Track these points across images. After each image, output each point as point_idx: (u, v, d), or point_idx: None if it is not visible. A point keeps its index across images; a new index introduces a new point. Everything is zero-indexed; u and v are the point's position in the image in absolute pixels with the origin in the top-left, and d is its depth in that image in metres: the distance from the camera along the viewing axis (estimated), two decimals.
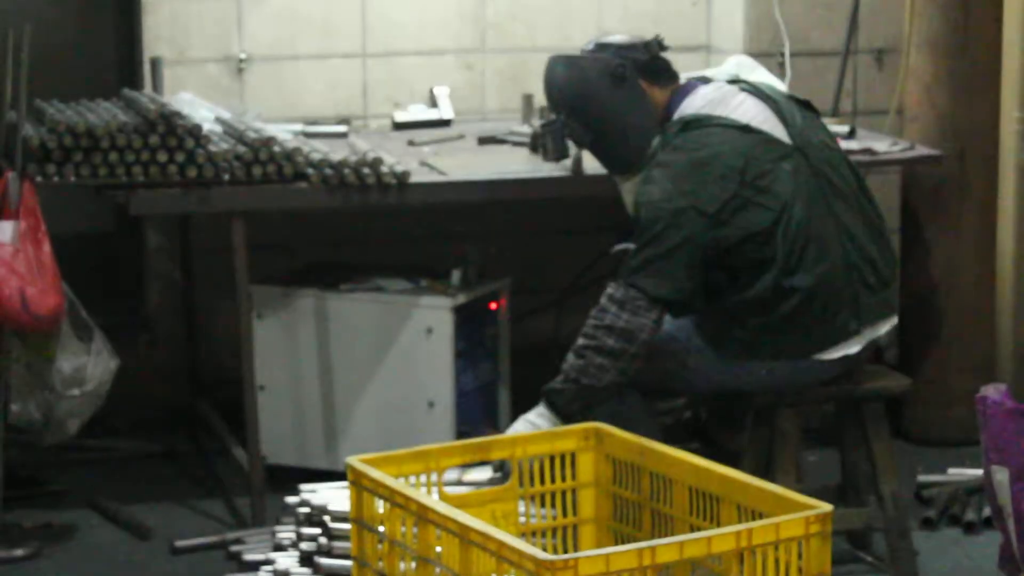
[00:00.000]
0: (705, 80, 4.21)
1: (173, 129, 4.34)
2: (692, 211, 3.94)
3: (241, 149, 4.43)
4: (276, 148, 4.45)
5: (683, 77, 4.23)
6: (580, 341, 3.95)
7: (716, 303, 4.06)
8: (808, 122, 4.14)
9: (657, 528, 3.41)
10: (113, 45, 5.50)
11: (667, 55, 4.24)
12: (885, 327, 4.16)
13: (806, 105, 4.21)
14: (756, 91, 4.14)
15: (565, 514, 3.57)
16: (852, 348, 4.08)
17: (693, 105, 4.10)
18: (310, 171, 4.47)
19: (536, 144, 4.79)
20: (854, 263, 4.07)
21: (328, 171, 4.48)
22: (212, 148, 4.39)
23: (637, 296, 3.92)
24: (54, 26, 5.36)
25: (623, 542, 3.46)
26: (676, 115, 4.10)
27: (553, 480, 3.56)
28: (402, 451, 3.46)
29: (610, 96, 4.16)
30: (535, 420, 3.95)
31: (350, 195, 4.51)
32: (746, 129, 4.03)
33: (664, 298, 3.93)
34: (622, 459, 3.52)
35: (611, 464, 3.55)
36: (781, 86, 4.33)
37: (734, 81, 4.19)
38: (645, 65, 4.17)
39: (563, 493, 3.57)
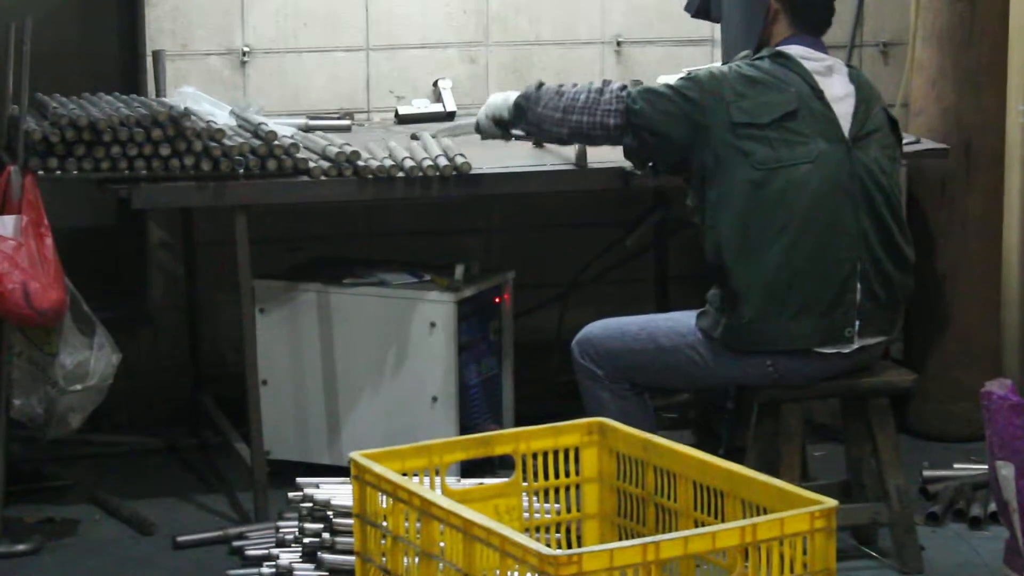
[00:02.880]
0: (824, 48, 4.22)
1: (182, 131, 4.33)
2: (721, 102, 4.03)
3: (256, 143, 4.42)
4: (286, 142, 4.45)
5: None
6: (567, 87, 4.19)
7: (715, 289, 4.09)
8: (879, 136, 4.17)
9: (661, 523, 3.40)
10: (115, 38, 5.48)
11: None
12: (877, 340, 4.18)
13: (892, 123, 4.26)
14: (859, 80, 4.19)
15: (569, 509, 3.57)
16: (845, 348, 4.10)
17: (797, 52, 4.13)
18: (325, 164, 4.46)
19: None
20: (864, 272, 4.09)
21: (332, 165, 4.47)
22: (226, 143, 4.38)
23: (621, 98, 4.08)
24: (56, 19, 5.35)
25: (627, 537, 3.46)
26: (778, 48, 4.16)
27: (557, 475, 3.56)
28: (405, 446, 3.45)
29: None
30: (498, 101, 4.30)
31: (353, 189, 4.49)
32: (817, 94, 4.08)
33: (634, 110, 4.06)
34: (626, 454, 3.51)
35: (615, 459, 3.54)
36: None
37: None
38: None
39: (567, 488, 3.56)
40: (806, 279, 4.03)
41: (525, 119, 4.23)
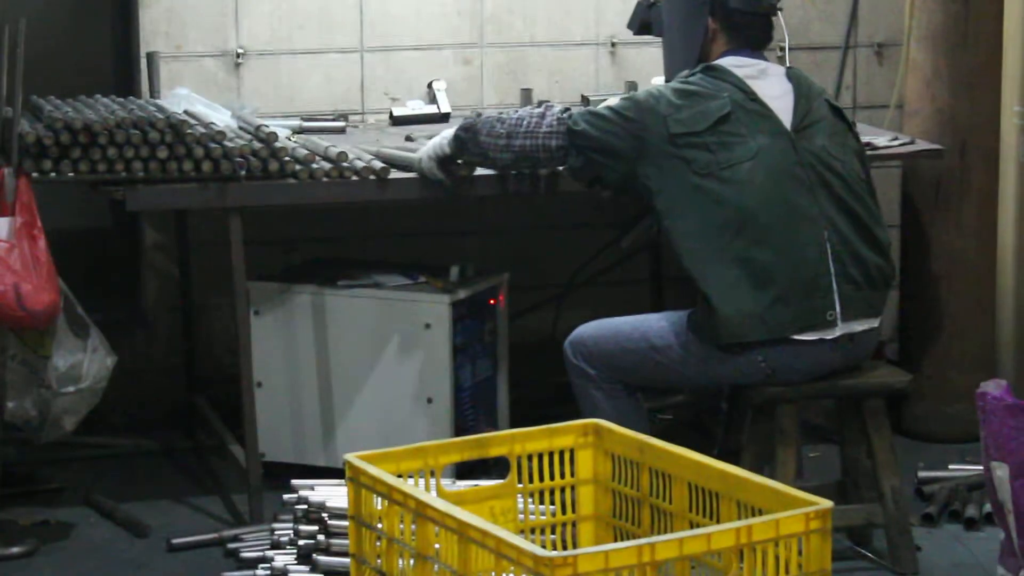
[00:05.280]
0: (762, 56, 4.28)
1: (182, 138, 4.33)
2: (659, 117, 4.10)
3: (257, 145, 4.42)
4: (288, 144, 4.45)
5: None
6: (507, 115, 4.28)
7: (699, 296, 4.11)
8: (825, 126, 4.21)
9: (656, 525, 3.40)
10: (110, 40, 5.49)
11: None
12: (863, 326, 4.18)
13: (837, 112, 4.29)
14: (796, 78, 4.25)
15: (564, 511, 3.56)
16: (829, 334, 4.11)
17: (729, 63, 4.20)
18: (326, 166, 4.45)
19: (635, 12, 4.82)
20: (835, 254, 4.13)
21: (333, 167, 4.46)
22: (227, 144, 4.38)
23: (562, 120, 4.18)
24: (50, 21, 5.35)
25: (623, 539, 3.45)
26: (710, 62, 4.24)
27: (552, 477, 3.56)
28: (400, 448, 3.45)
29: (680, 10, 4.32)
30: (437, 140, 4.39)
31: (350, 191, 4.48)
32: (751, 96, 4.13)
33: (576, 131, 4.15)
34: (621, 455, 3.51)
35: (610, 460, 3.54)
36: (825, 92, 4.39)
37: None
38: (728, 11, 4.23)
39: (562, 489, 3.56)
40: (776, 269, 4.06)
41: (467, 150, 4.33)
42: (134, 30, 5.27)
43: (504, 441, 3.54)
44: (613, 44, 5.53)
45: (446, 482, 3.53)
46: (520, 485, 3.54)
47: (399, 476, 3.33)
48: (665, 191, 4.10)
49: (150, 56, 5.11)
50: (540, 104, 4.51)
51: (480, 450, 3.52)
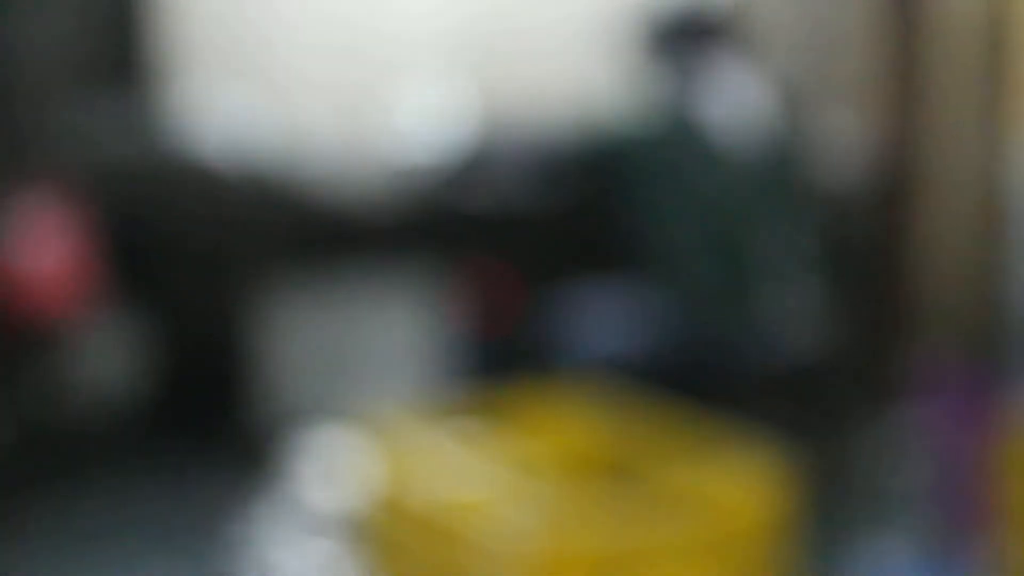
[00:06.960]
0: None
1: (189, 190, 4.52)
2: (620, 155, 4.26)
3: (255, 169, 4.57)
4: (279, 159, 4.60)
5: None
6: (487, 157, 4.58)
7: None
8: (768, 136, 4.35)
9: (642, 496, 3.42)
10: (115, 46, 5.47)
11: None
12: (795, 323, 4.34)
13: (783, 117, 4.41)
14: (742, 87, 4.34)
15: (553, 477, 3.62)
16: (766, 331, 4.30)
17: (676, 89, 4.33)
18: (321, 178, 4.61)
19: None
20: (760, 260, 4.30)
21: (327, 175, 4.61)
22: (226, 166, 4.54)
23: (535, 159, 4.45)
24: (60, 26, 5.36)
25: (610, 516, 3.52)
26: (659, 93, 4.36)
27: (543, 461, 3.62)
28: (404, 408, 3.63)
29: (639, 44, 4.43)
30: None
31: (349, 196, 4.62)
32: (697, 121, 4.26)
33: (549, 168, 4.45)
34: (613, 417, 3.62)
35: (603, 420, 3.64)
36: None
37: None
38: (662, 38, 4.37)
39: (551, 469, 3.62)
40: (729, 276, 4.26)
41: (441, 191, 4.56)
42: (140, 36, 5.28)
43: (502, 404, 3.63)
44: (606, 50, 5.46)
45: (446, 436, 3.60)
46: (517, 441, 3.59)
47: (402, 438, 3.44)
48: (628, 219, 4.29)
49: (156, 61, 5.17)
50: (519, 145, 4.71)
51: (481, 405, 3.63)
